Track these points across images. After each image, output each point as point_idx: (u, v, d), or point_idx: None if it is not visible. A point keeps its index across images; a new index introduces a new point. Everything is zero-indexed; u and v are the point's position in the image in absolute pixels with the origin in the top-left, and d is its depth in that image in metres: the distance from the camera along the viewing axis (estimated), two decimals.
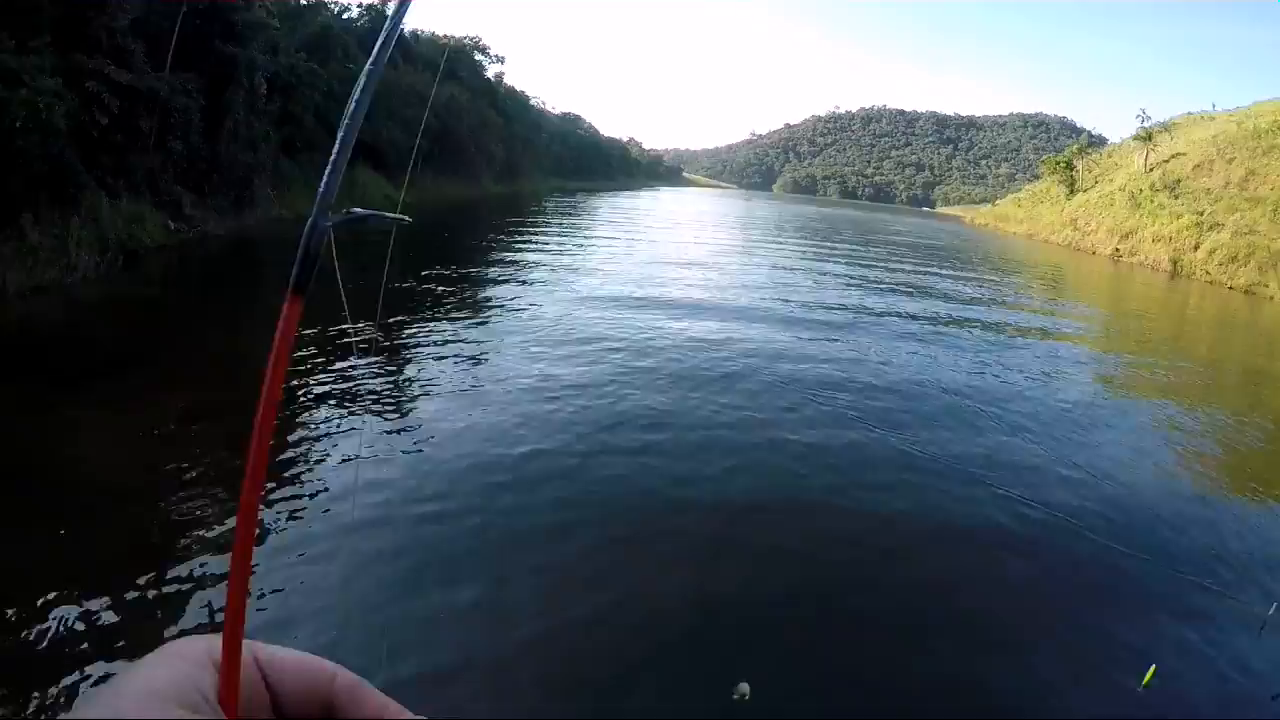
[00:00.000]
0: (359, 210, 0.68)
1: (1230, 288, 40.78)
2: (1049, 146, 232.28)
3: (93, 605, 4.27)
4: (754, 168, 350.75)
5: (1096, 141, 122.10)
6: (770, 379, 9.91)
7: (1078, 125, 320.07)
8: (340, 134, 0.63)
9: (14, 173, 12.17)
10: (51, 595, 4.31)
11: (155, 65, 17.89)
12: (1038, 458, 8.20)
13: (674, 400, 8.63)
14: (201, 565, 4.67)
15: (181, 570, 4.63)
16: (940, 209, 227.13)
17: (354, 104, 0.60)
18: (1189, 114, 77.33)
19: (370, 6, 43.34)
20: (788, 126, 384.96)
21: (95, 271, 13.56)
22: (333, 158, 0.63)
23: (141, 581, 4.53)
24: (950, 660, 4.58)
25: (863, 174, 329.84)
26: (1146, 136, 69.93)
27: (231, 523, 4.66)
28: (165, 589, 4.48)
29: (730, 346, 11.57)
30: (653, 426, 7.69)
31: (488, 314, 12.97)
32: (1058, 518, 6.59)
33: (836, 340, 12.99)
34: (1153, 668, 4.38)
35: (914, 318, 16.69)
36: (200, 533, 5.05)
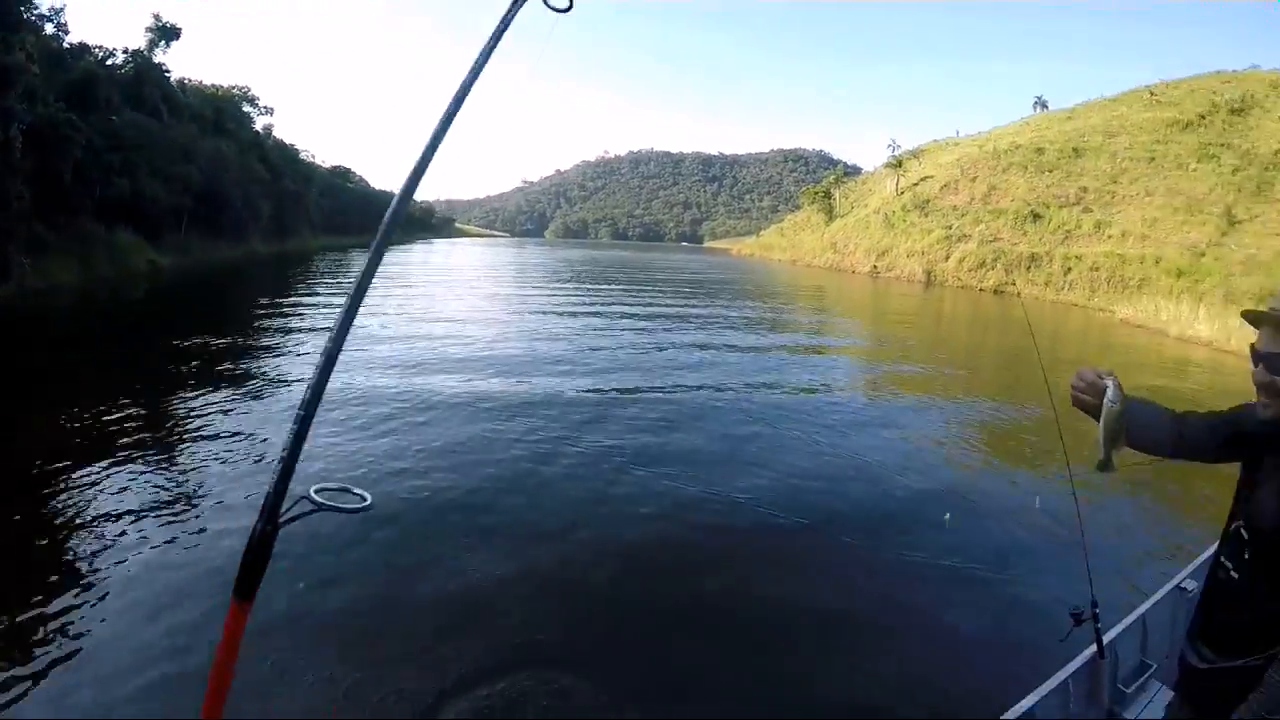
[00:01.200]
0: (313, 499, 0.63)
1: (981, 290, 45.88)
2: (809, 178, 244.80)
3: None
4: (526, 215, 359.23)
5: (852, 171, 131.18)
6: (558, 429, 9.17)
7: (834, 157, 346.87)
8: (307, 401, 0.56)
9: None
10: None
11: None
12: (813, 455, 8.60)
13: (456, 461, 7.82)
14: None
15: None
16: (709, 243, 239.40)
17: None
18: (935, 141, 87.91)
19: (136, 53, 39.38)
20: (558, 173, 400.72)
21: None
22: (282, 455, 0.54)
23: None
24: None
25: (632, 215, 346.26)
26: (897, 163, 77.65)
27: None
28: None
29: (504, 399, 10.63)
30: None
31: (252, 387, 11.10)
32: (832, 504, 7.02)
33: (616, 382, 12.31)
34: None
35: (690, 348, 16.52)
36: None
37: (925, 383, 14.20)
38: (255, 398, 10.36)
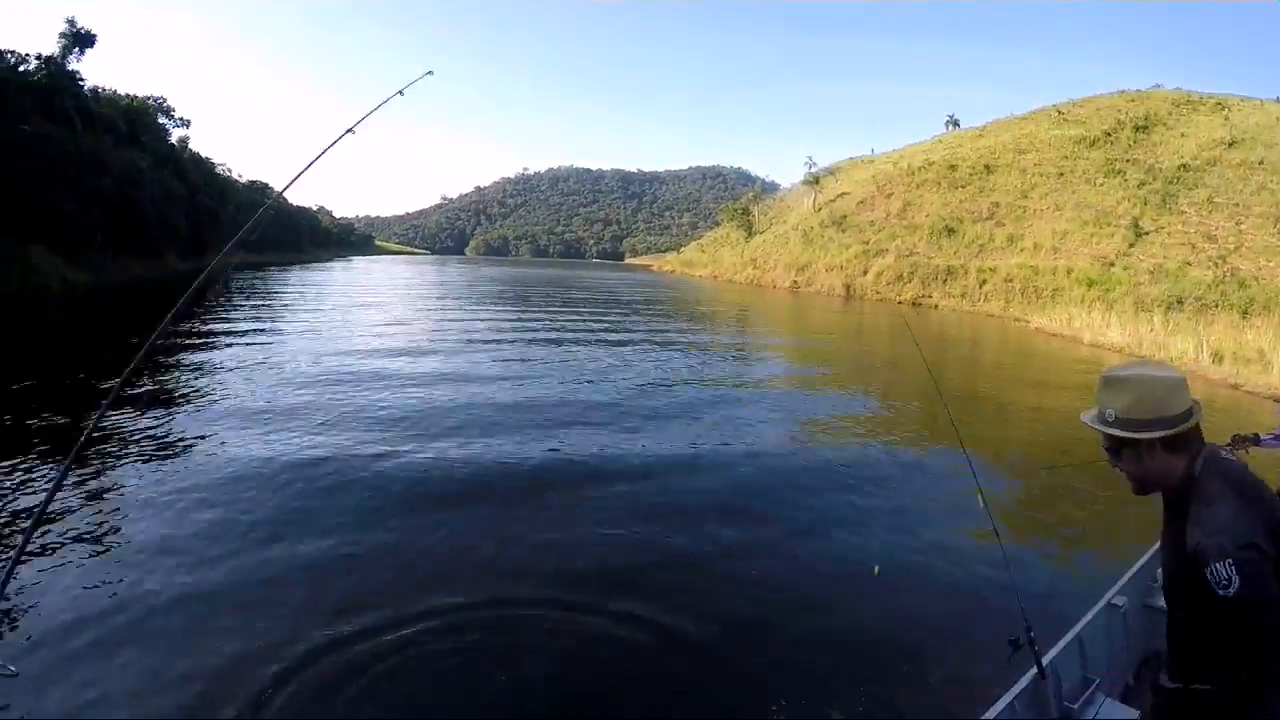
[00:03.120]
0: None
1: (899, 302, 46.41)
2: (727, 195, 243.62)
3: None
4: (446, 232, 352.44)
5: (770, 188, 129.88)
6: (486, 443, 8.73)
7: (752, 174, 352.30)
8: None
9: None
10: None
11: None
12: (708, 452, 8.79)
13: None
14: None
15: None
16: (630, 260, 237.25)
17: None
18: (851, 159, 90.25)
19: (49, 59, 37.51)
20: (478, 189, 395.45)
21: None
22: None
23: None
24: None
25: (553, 232, 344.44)
26: (814, 180, 79.08)
27: None
28: None
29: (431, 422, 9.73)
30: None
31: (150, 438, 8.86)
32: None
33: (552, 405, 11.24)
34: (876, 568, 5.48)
35: (615, 367, 15.54)
36: None
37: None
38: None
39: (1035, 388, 16.13)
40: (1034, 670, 2.97)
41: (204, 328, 18.49)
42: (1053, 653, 3.17)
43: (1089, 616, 3.53)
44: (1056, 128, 62.63)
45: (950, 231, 52.87)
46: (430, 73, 2.85)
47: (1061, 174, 52.76)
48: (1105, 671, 3.44)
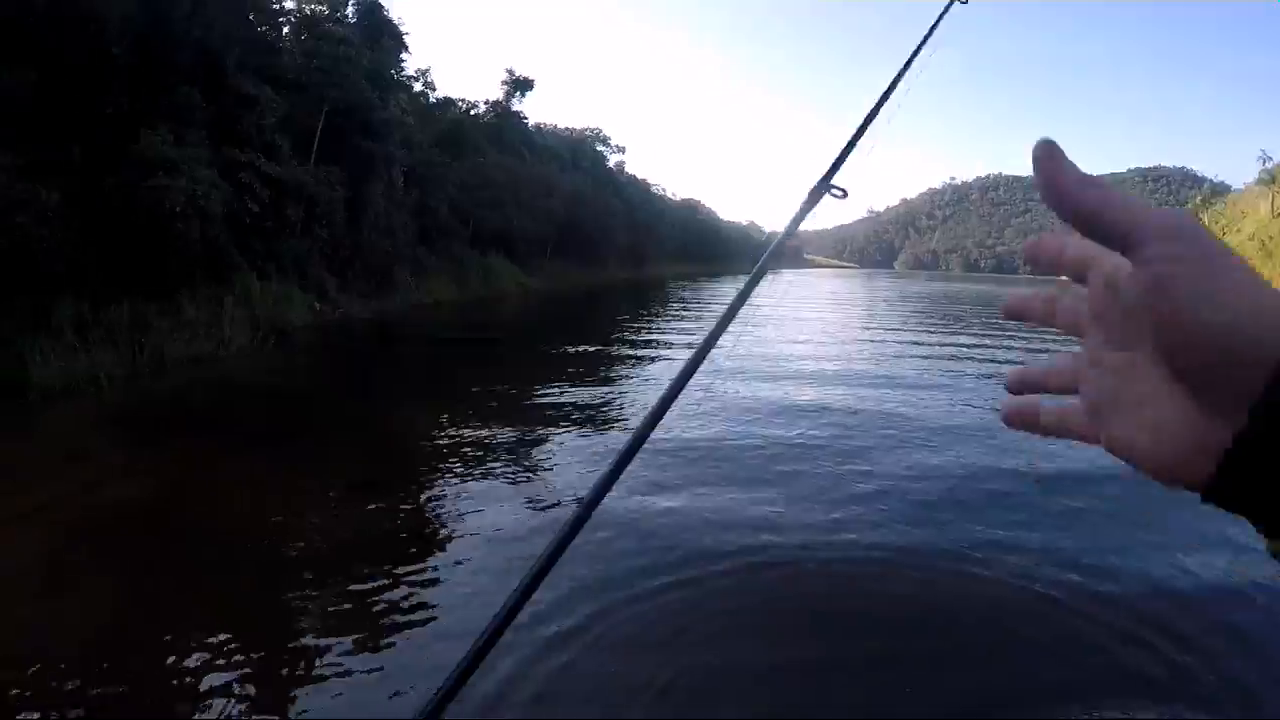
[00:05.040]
0: None
1: None
2: (1171, 200, 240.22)
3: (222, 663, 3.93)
4: (874, 245, 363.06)
5: (1220, 190, 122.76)
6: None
7: (1199, 174, 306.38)
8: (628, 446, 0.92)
9: (173, 254, 13.76)
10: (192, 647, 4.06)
11: (301, 159, 19.43)
12: None
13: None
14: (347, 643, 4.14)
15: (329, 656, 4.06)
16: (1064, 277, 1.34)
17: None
18: None
19: (496, 103, 44.55)
20: (904, 202, 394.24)
21: (248, 346, 14.21)
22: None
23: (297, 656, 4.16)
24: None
25: (984, 245, 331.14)
26: (1271, 179, 65.93)
27: (397, 595, 4.65)
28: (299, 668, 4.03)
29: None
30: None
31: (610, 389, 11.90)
32: None
33: None
34: None
35: None
36: (359, 606, 4.53)
37: None
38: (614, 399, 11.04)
39: None
40: None
41: (647, 329, 21.28)
42: None
43: None
44: None
45: None
46: None
47: None
48: None
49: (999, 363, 15.22)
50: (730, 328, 1.25)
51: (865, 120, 1.44)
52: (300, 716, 3.49)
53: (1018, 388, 0.43)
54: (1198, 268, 0.30)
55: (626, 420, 9.32)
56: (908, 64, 1.51)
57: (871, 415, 9.64)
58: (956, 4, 1.66)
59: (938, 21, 1.63)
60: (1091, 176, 0.34)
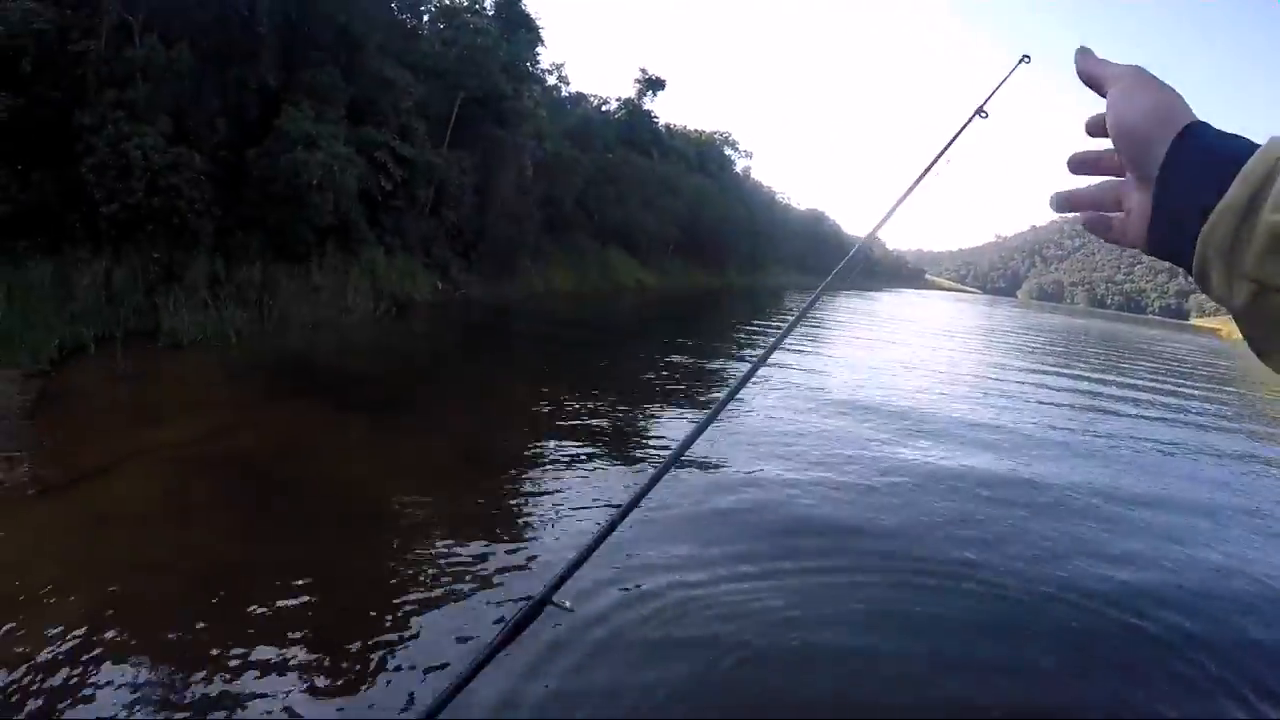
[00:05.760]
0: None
1: None
2: None
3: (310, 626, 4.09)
4: (999, 271, 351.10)
5: None
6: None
7: None
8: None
9: (306, 222, 14.30)
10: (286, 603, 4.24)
11: (435, 143, 19.93)
12: None
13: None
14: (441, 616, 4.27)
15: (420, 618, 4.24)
16: (1195, 320, 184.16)
17: None
18: None
19: (628, 100, 43.54)
20: (1033, 229, 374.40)
21: (370, 316, 14.99)
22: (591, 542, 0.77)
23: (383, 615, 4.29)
24: None
25: (1112, 281, 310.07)
26: None
27: (496, 565, 4.81)
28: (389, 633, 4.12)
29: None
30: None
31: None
32: None
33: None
34: None
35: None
36: (459, 578, 4.65)
37: None
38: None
39: None
40: None
41: (761, 334, 21.54)
42: None
43: None
44: None
45: None
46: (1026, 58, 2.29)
47: None
48: None
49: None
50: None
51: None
52: (357, 673, 3.74)
53: (1079, 169, 0.58)
54: (1128, 90, 0.49)
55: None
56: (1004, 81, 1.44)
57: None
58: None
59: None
60: (1099, 59, 0.54)
